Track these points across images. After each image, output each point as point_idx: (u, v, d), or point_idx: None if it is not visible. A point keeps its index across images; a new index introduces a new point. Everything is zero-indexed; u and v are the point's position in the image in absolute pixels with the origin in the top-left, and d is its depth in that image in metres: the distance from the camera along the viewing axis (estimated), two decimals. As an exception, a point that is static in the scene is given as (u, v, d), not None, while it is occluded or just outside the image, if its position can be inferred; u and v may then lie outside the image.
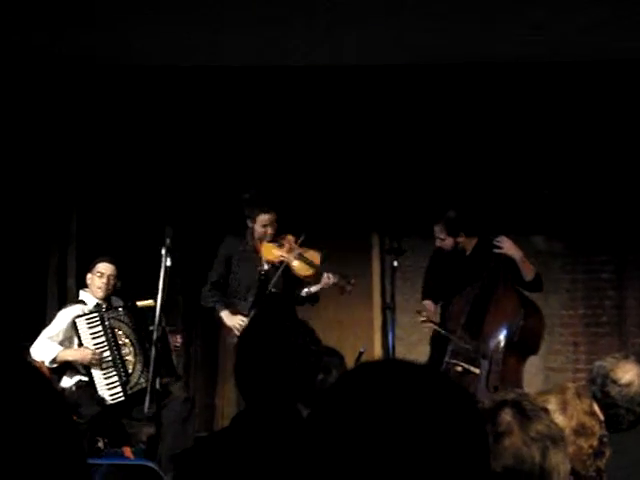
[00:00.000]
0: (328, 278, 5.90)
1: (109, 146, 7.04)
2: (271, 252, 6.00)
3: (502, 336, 5.56)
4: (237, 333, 5.51)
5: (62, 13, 5.70)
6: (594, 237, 7.25)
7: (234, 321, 5.90)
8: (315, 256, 6.02)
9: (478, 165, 7.11)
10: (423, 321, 5.94)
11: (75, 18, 5.77)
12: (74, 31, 6.09)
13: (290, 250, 5.96)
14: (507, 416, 1.92)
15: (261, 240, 5.99)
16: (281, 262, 5.94)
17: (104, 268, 5.75)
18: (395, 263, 5.84)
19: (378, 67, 6.78)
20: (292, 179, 7.15)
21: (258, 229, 5.95)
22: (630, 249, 7.22)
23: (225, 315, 5.99)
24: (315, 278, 6.03)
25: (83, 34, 6.15)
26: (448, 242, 5.97)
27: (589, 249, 7.32)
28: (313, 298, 6.09)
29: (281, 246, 6.00)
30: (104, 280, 5.74)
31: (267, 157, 7.20)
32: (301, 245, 6.00)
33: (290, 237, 6.02)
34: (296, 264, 5.97)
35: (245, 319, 5.79)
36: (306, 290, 6.03)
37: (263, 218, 5.91)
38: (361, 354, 5.56)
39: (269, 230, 5.93)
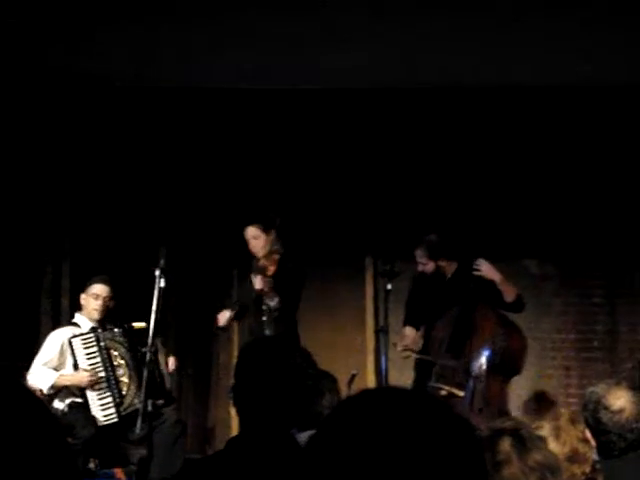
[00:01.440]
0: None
1: (104, 166, 7.04)
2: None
3: (484, 358, 5.56)
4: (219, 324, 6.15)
5: (57, 32, 5.72)
6: (586, 261, 7.27)
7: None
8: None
9: (469, 189, 7.13)
10: (401, 351, 5.93)
11: (64, 35, 5.79)
12: (71, 50, 6.11)
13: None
14: (506, 445, 1.92)
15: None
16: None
17: (99, 290, 5.71)
18: (388, 286, 5.83)
19: (367, 92, 6.82)
20: (285, 202, 7.16)
21: None
22: (622, 274, 7.24)
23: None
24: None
25: (76, 53, 6.16)
26: (429, 266, 5.96)
27: (581, 273, 7.33)
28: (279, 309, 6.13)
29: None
30: (99, 302, 5.69)
31: (261, 180, 7.21)
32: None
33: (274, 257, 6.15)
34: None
35: (228, 313, 6.16)
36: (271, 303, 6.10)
37: (246, 230, 6.12)
38: (353, 377, 5.56)
39: (251, 243, 6.07)
